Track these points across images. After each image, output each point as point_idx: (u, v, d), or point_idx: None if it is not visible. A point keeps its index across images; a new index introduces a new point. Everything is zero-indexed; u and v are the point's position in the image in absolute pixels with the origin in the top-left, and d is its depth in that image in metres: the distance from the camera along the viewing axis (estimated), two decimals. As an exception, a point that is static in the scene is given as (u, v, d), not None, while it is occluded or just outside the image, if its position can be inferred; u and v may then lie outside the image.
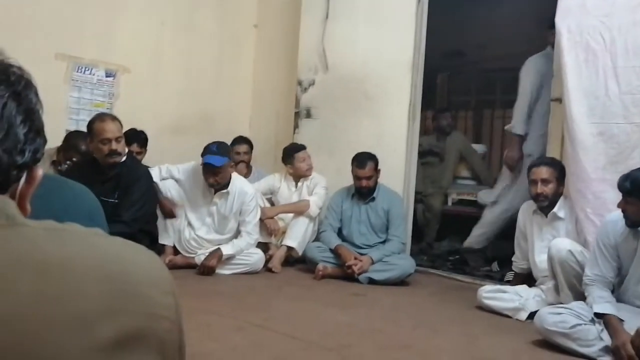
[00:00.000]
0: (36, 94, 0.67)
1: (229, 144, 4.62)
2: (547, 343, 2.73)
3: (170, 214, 4.13)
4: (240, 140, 4.91)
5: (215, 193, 4.09)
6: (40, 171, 0.67)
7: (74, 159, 3.75)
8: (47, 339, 0.53)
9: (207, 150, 3.97)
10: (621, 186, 2.57)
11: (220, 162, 3.92)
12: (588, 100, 3.13)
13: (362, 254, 4.06)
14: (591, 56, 3.12)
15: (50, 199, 1.10)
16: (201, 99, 5.25)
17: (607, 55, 3.07)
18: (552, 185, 3.33)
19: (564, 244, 3.07)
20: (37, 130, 0.66)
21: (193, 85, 5.17)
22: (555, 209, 3.37)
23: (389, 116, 4.51)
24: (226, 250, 3.96)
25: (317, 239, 4.36)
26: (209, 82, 5.33)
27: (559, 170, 3.34)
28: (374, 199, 4.24)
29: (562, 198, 3.38)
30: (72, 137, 3.88)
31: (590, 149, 3.13)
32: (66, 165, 3.73)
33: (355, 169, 4.17)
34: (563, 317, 2.67)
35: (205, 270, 3.88)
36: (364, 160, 4.14)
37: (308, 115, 4.95)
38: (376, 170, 4.18)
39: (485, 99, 7.09)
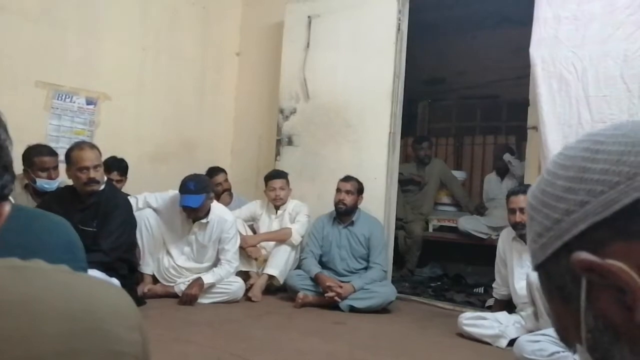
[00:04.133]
0: (6, 131, 0.67)
1: (206, 174, 4.61)
2: (526, 371, 2.73)
3: None
4: (217, 170, 4.91)
5: (194, 223, 4.07)
6: (7, 206, 0.66)
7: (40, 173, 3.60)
8: None
9: (185, 189, 3.91)
10: None
11: (198, 203, 3.90)
12: (562, 128, 3.20)
13: (344, 282, 4.05)
14: (564, 85, 3.19)
15: (23, 232, 1.08)
16: (183, 127, 5.25)
17: (580, 84, 3.15)
18: (530, 213, 3.35)
19: (542, 271, 3.09)
20: (4, 166, 0.65)
21: (175, 113, 5.17)
22: (533, 236, 3.39)
23: (369, 144, 4.54)
24: (207, 279, 3.91)
25: (298, 267, 4.34)
26: (191, 109, 5.34)
27: (537, 198, 3.37)
28: (352, 222, 4.25)
29: (540, 225, 3.40)
30: (29, 154, 3.60)
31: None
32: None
33: (339, 182, 4.25)
34: (541, 345, 2.68)
35: (188, 299, 3.83)
36: (349, 177, 4.25)
37: (289, 142, 4.97)
38: (358, 194, 4.21)
39: (465, 125, 7.18)
